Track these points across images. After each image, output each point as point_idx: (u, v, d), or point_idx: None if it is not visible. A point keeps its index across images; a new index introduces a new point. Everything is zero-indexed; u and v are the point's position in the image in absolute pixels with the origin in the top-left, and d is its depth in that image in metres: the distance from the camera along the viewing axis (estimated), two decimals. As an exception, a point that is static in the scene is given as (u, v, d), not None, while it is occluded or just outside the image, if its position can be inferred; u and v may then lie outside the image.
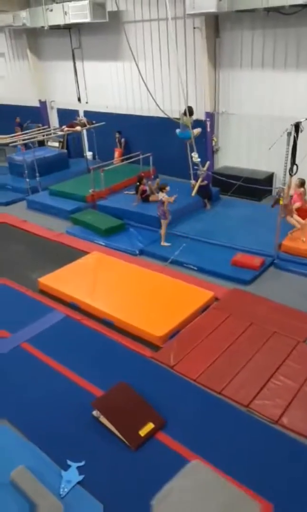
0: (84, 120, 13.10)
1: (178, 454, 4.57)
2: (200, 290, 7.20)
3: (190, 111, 9.85)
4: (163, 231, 8.90)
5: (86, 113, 14.54)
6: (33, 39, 15.11)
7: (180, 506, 2.51)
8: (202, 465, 2.98)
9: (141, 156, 11.72)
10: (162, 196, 8.76)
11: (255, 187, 9.69)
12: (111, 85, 13.64)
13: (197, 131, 10.21)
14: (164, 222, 8.84)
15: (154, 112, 11.84)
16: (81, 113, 14.81)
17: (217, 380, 5.43)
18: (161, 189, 8.90)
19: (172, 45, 11.10)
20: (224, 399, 5.22)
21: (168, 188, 8.91)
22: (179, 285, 7.39)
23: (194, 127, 10.05)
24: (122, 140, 13.75)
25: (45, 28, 12.78)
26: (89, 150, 14.52)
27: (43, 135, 13.56)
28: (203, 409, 5.13)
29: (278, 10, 9.23)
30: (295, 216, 8.32)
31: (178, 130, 10.11)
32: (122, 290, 7.41)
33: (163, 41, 11.80)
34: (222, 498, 2.62)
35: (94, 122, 13.05)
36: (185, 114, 9.83)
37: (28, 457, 4.57)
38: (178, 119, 10.19)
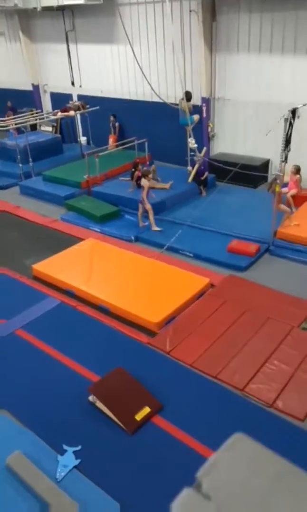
0: (78, 103, 12.85)
1: (174, 437, 4.63)
2: (196, 276, 7.21)
3: (187, 96, 9.72)
4: (150, 216, 8.91)
5: (80, 97, 14.29)
6: (25, 21, 14.75)
7: (227, 479, 2.46)
8: (245, 437, 2.94)
9: (136, 142, 11.59)
10: (143, 182, 8.69)
11: (251, 173, 9.63)
12: (106, 69, 13.39)
13: (196, 117, 10.10)
14: (148, 208, 8.84)
15: (149, 96, 11.69)
16: (74, 97, 14.56)
17: (213, 365, 5.47)
18: (144, 175, 8.79)
19: (168, 28, 10.90)
20: (219, 383, 5.27)
21: (150, 176, 8.84)
22: (175, 271, 7.39)
23: (192, 113, 9.95)
24: (117, 124, 13.55)
25: (38, 9, 12.46)
26: (83, 135, 14.32)
27: (36, 119, 13.33)
28: (199, 393, 5.17)
29: (276, -8, 9.08)
30: (281, 205, 8.20)
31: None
32: (118, 276, 7.39)
33: (159, 24, 11.57)
34: (271, 470, 2.57)
35: (88, 106, 12.84)
36: (183, 99, 9.71)
37: (24, 443, 4.58)
38: (176, 104, 10.05)
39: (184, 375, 5.44)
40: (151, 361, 5.69)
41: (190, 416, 4.87)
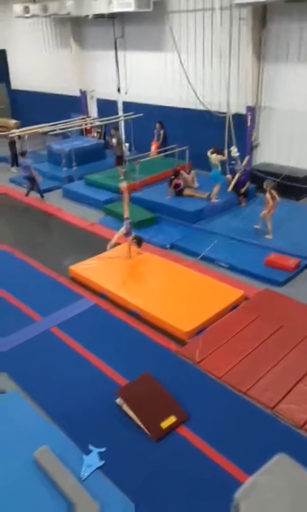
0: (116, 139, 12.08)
1: (198, 449, 4.59)
2: (230, 288, 7.11)
3: (217, 150, 9.66)
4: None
5: (125, 104, 14.55)
6: (77, 28, 15.18)
7: (266, 503, 2.36)
8: (288, 459, 2.83)
9: (177, 150, 11.61)
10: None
11: (294, 185, 9.39)
12: (152, 76, 13.54)
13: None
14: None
15: (193, 104, 11.68)
16: (120, 104, 14.81)
17: (243, 380, 5.36)
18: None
19: (216, 36, 10.87)
20: (248, 399, 5.16)
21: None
22: (209, 281, 7.32)
23: (236, 124, 9.79)
24: (162, 132, 13.62)
25: (90, 17, 12.80)
26: (126, 142, 14.50)
27: (81, 125, 13.63)
28: (227, 407, 5.08)
29: (330, 1, 8.88)
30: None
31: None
32: (151, 283, 7.42)
33: (207, 32, 11.58)
34: None
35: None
36: (213, 152, 9.62)
37: (51, 438, 4.69)
38: (221, 112, 9.93)
39: (211, 388, 5.37)
40: (179, 370, 5.65)
41: (216, 430, 4.80)
